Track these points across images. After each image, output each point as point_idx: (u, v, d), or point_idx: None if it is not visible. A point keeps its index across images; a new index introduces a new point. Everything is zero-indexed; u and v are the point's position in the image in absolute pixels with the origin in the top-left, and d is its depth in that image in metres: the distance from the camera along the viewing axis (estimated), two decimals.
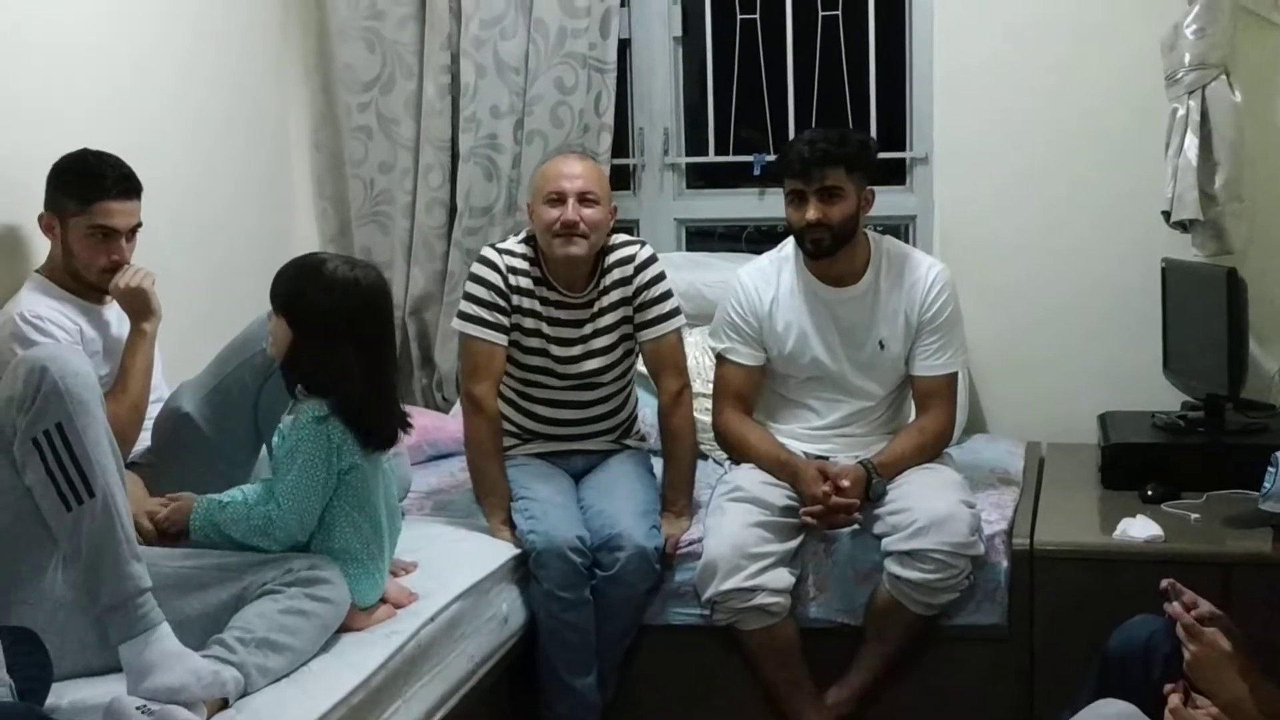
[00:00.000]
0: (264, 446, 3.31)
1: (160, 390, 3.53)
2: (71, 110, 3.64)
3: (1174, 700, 2.41)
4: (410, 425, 3.15)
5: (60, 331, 3.27)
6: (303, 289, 2.99)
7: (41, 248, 3.49)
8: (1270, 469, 2.99)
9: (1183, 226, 3.87)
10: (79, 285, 3.40)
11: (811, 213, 3.46)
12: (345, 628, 2.95)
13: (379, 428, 3.02)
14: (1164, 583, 2.72)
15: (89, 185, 3.33)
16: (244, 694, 2.65)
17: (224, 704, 2.60)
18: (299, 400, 3.01)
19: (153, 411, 3.42)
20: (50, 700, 2.50)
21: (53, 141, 3.42)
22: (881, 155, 3.90)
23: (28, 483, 2.62)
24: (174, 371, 3.59)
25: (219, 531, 2.99)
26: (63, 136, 3.44)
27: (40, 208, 3.39)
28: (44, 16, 3.58)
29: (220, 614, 2.81)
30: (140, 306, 3.34)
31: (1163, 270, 3.91)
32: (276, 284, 3.03)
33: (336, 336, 2.96)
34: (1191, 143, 3.79)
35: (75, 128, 3.53)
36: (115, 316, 3.49)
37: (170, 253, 3.77)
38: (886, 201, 3.74)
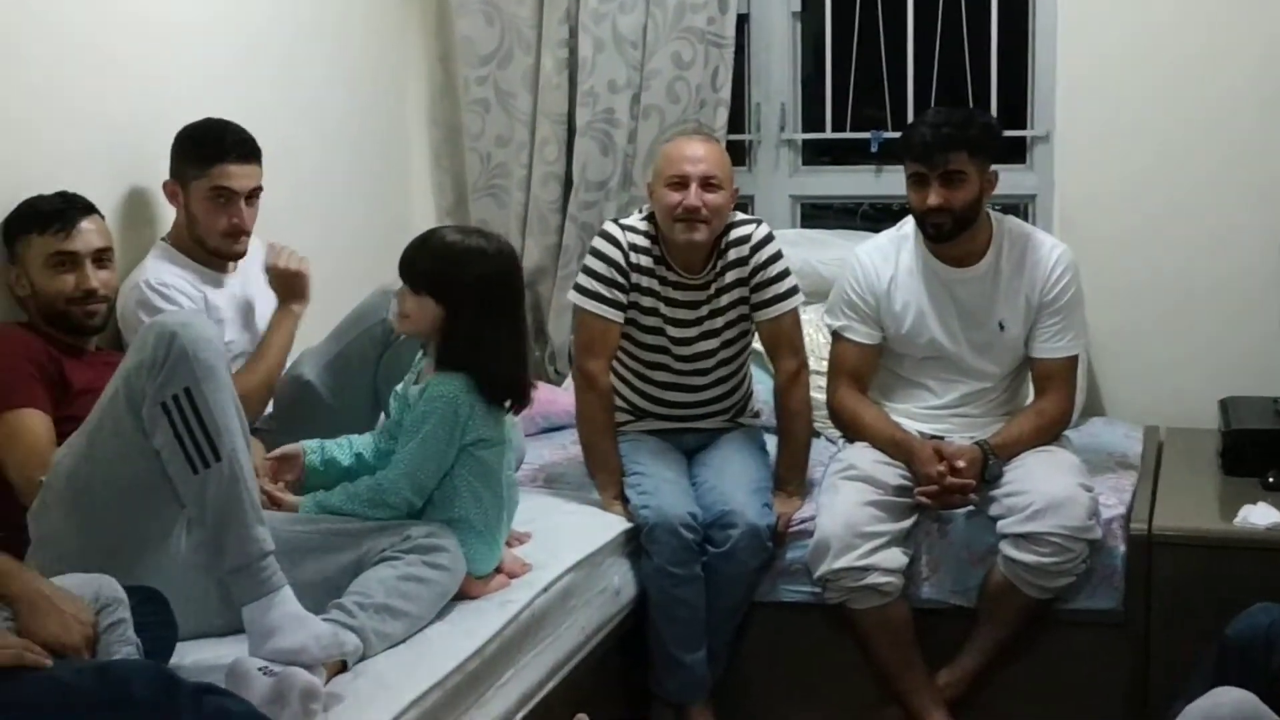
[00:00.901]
0: (381, 414, 3.37)
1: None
2: (194, 82, 3.70)
3: None
4: (535, 385, 3.19)
5: (185, 299, 3.34)
6: (447, 266, 3.02)
7: (166, 218, 3.58)
8: None
9: None
10: (203, 253, 3.47)
11: (933, 198, 3.46)
12: (461, 596, 2.99)
13: (518, 392, 3.08)
14: None
15: (209, 149, 3.41)
16: (362, 658, 2.69)
17: (343, 667, 2.64)
18: (435, 371, 3.06)
19: None
20: (174, 660, 2.56)
21: (177, 113, 3.49)
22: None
23: (156, 445, 2.65)
24: (295, 338, 3.65)
25: (344, 495, 3.05)
26: (185, 108, 3.52)
27: (165, 178, 3.48)
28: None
29: (339, 579, 2.86)
30: (298, 289, 3.42)
31: None
32: (414, 263, 3.05)
33: (486, 307, 3.01)
34: None
35: (198, 99, 3.59)
36: (239, 286, 3.56)
37: (288, 223, 3.82)
38: (1005, 180, 3.70)
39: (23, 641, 2.26)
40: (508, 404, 3.07)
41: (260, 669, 2.50)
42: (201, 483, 2.66)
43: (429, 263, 3.03)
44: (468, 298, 3.00)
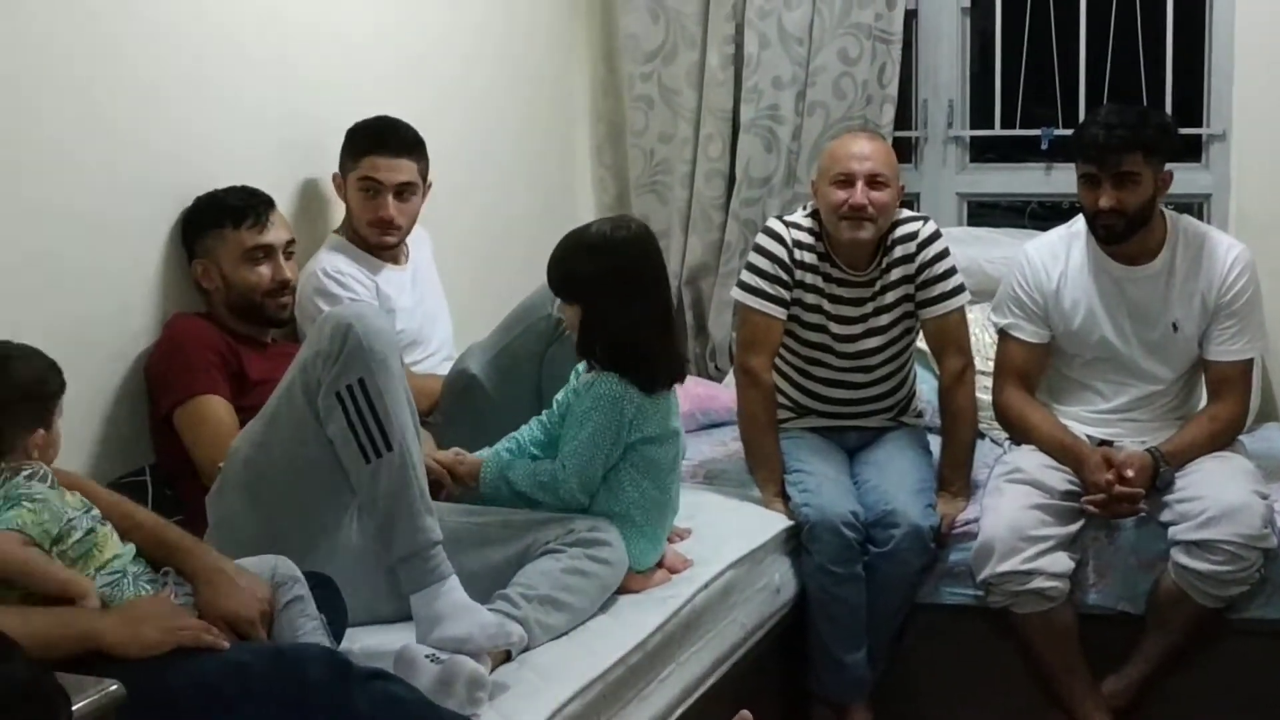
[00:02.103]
0: (544, 410, 3.42)
1: (448, 350, 3.67)
2: (366, 85, 3.79)
3: None
4: (687, 360, 3.19)
5: (359, 287, 3.43)
6: (569, 267, 3.08)
7: (335, 214, 3.68)
8: None
9: None
10: (370, 245, 3.57)
11: (1105, 200, 3.42)
12: (622, 590, 3.02)
13: (671, 374, 3.10)
14: None
15: (363, 141, 3.50)
16: (525, 649, 2.72)
17: (507, 656, 2.67)
18: (589, 370, 3.11)
19: (443, 370, 3.56)
20: (343, 645, 2.60)
21: (350, 112, 3.58)
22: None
23: (330, 434, 2.71)
24: (460, 331, 3.73)
25: (509, 486, 3.11)
26: (358, 108, 3.61)
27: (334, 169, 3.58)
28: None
29: (504, 570, 2.90)
30: None
31: None
32: (550, 269, 3.12)
33: (617, 299, 3.04)
34: None
35: (370, 100, 3.67)
36: (409, 279, 3.64)
37: (455, 218, 3.91)
38: (1180, 179, 3.65)
39: (201, 624, 2.33)
40: (666, 389, 3.10)
41: (427, 656, 2.54)
42: (373, 472, 2.72)
43: (556, 267, 3.10)
44: (595, 294, 3.04)
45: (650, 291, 3.10)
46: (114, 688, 2.05)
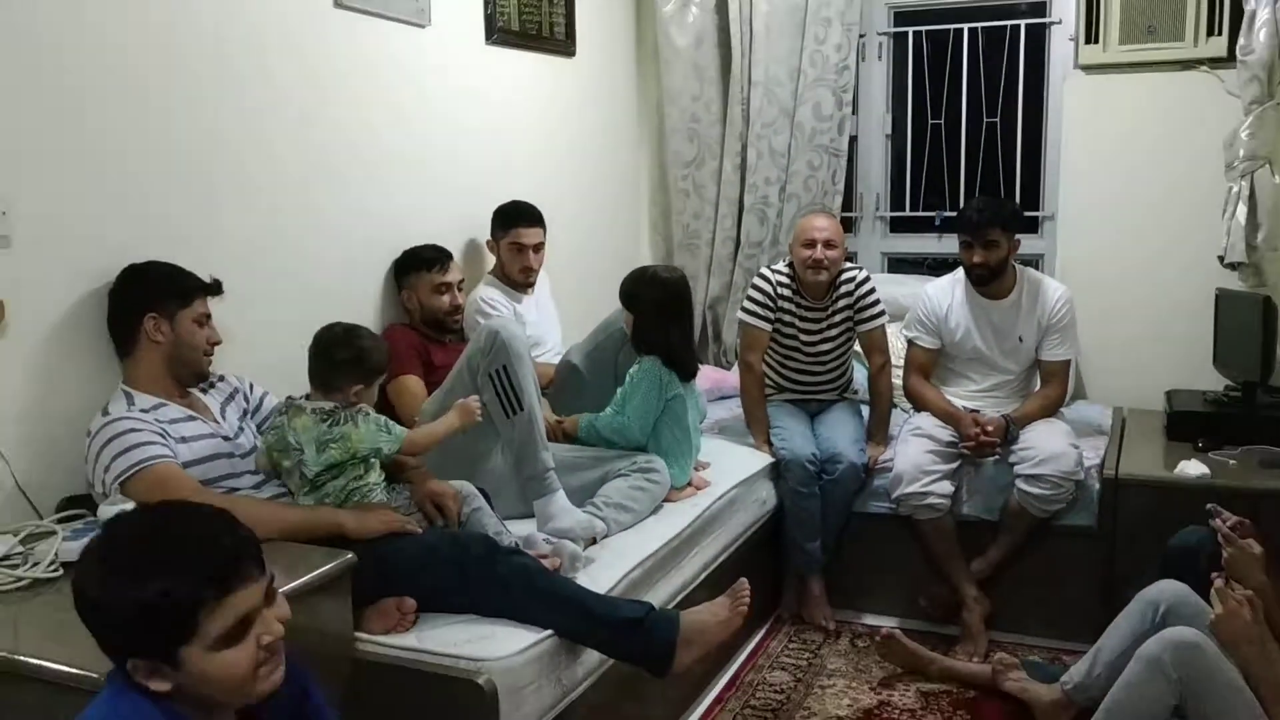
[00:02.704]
0: (619, 388, 3.43)
1: (558, 349, 3.69)
2: (510, 173, 3.80)
3: (1218, 583, 2.34)
4: (698, 366, 3.25)
5: (503, 309, 3.45)
6: (633, 289, 3.15)
7: (489, 260, 3.70)
8: None
9: (1233, 267, 3.67)
10: (511, 284, 3.59)
11: (977, 258, 3.42)
12: (666, 500, 3.04)
13: (687, 366, 3.12)
14: (1209, 505, 2.63)
15: (511, 218, 3.52)
16: (605, 536, 2.77)
17: (593, 541, 2.71)
18: (641, 356, 3.13)
19: (555, 361, 3.56)
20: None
21: (498, 194, 3.61)
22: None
23: (484, 399, 2.75)
24: (568, 334, 3.74)
25: (596, 434, 3.13)
26: (503, 191, 3.64)
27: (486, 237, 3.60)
28: (497, 120, 3.77)
29: (591, 486, 2.94)
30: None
31: (1216, 296, 3.71)
32: (623, 288, 3.18)
33: (658, 314, 3.09)
34: (1242, 210, 3.58)
35: (509, 183, 3.70)
36: (535, 303, 3.66)
37: (564, 265, 3.91)
38: (1025, 244, 3.64)
39: (405, 519, 2.36)
40: (683, 370, 3.12)
41: (544, 539, 2.59)
42: (512, 424, 2.77)
43: (624, 289, 3.17)
44: (646, 309, 3.09)
45: (680, 315, 3.15)
46: (349, 556, 2.09)
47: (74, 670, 1.62)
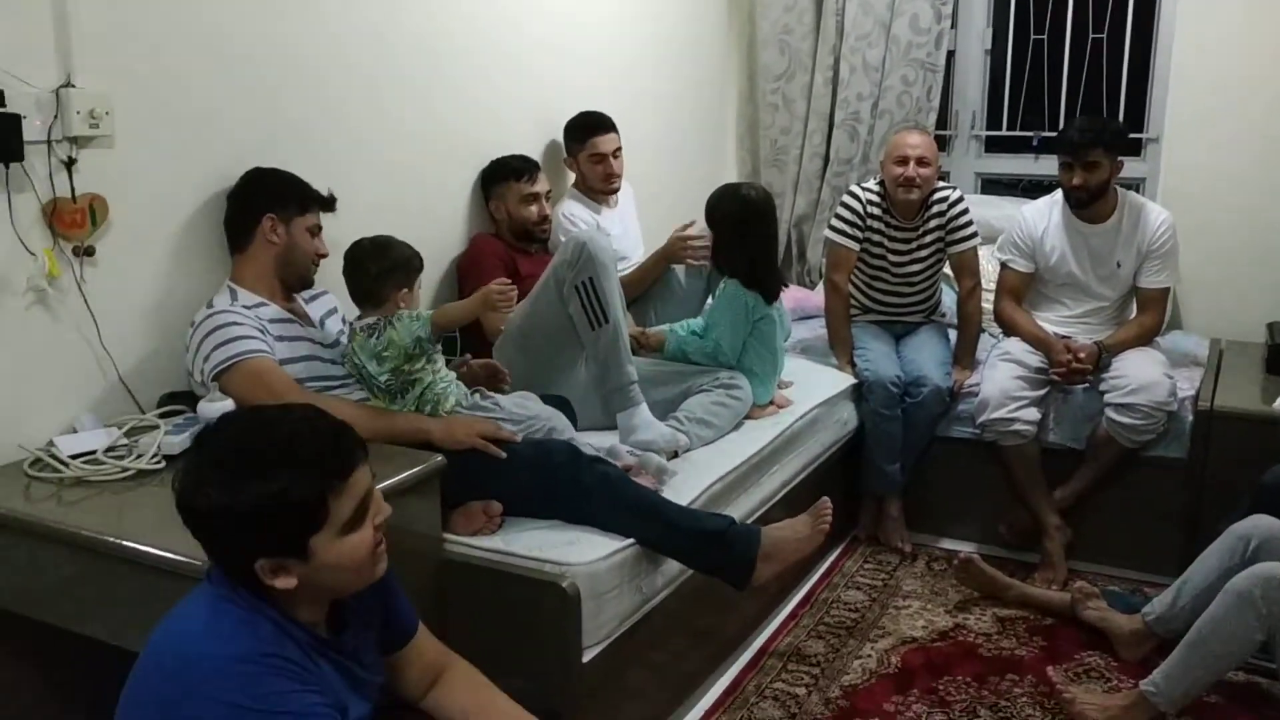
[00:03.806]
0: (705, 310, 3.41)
1: (642, 261, 3.68)
2: (591, 83, 3.74)
3: None
4: (786, 285, 3.19)
5: (583, 223, 3.43)
6: (719, 205, 3.11)
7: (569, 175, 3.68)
8: None
9: None
10: (592, 194, 3.57)
11: (1076, 179, 3.30)
12: (748, 417, 3.04)
13: (769, 288, 3.08)
14: None
15: (584, 129, 3.50)
16: (688, 450, 2.78)
17: (675, 454, 2.72)
18: (724, 278, 3.10)
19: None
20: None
21: (580, 103, 3.58)
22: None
23: (570, 311, 2.76)
24: (651, 247, 3.65)
25: (684, 356, 3.13)
26: (586, 100, 3.60)
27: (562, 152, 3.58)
28: (579, 28, 3.72)
29: (675, 400, 2.95)
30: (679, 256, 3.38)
31: None
32: (707, 204, 3.14)
33: (737, 233, 3.05)
34: None
35: (588, 97, 3.64)
36: (618, 216, 3.64)
37: (646, 176, 3.86)
38: (1127, 167, 3.51)
39: (493, 426, 2.38)
40: (766, 290, 3.08)
41: (628, 451, 2.61)
42: (597, 335, 2.76)
43: (710, 201, 3.13)
44: (726, 226, 3.06)
45: (762, 235, 3.10)
46: (439, 459, 2.14)
47: (176, 556, 1.68)
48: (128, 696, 1.35)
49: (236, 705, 1.26)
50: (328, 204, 2.48)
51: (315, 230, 2.44)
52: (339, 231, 2.54)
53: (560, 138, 3.59)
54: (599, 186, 3.54)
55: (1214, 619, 2.35)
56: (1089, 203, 3.36)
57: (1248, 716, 2.58)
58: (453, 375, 2.50)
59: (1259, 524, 2.58)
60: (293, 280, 2.43)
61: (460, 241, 3.26)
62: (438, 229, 3.18)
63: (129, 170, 2.26)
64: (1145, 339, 3.42)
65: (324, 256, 2.46)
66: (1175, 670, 2.38)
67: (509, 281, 2.46)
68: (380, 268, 2.39)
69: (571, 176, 3.64)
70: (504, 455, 2.32)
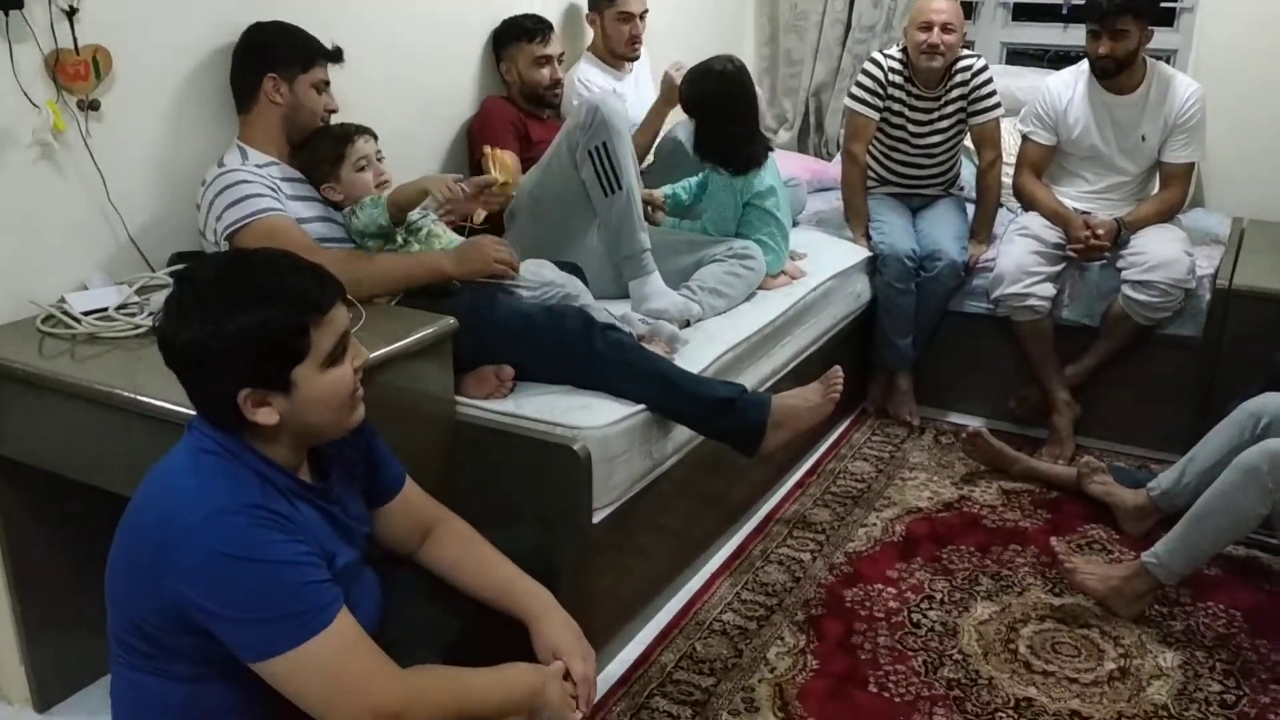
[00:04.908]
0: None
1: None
2: None
3: None
4: (771, 149, 3.10)
5: (597, 88, 3.35)
6: (692, 92, 3.02)
7: (586, 35, 3.58)
8: None
9: None
10: (613, 60, 3.49)
11: (1103, 48, 3.20)
12: (761, 287, 3.03)
13: (751, 158, 3.02)
14: None
15: None
16: (700, 319, 2.77)
17: (687, 323, 2.72)
18: (704, 167, 3.09)
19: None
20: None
21: None
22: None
23: (583, 177, 2.72)
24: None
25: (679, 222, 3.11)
26: None
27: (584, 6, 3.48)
28: None
29: (687, 270, 2.93)
30: (672, 97, 3.30)
31: None
32: (680, 92, 3.07)
33: (717, 115, 2.99)
34: None
35: None
36: (633, 82, 3.56)
37: (662, 40, 3.74)
38: (1158, 38, 3.39)
39: (505, 254, 2.36)
40: (747, 171, 3.03)
41: (640, 319, 2.60)
42: (610, 202, 2.73)
43: (683, 90, 3.06)
44: (709, 110, 3.00)
45: (743, 109, 3.02)
46: (451, 322, 2.13)
47: (184, 409, 1.68)
48: (117, 550, 1.38)
49: (224, 555, 1.28)
50: (333, 56, 2.39)
51: (322, 86, 2.37)
52: (349, 87, 2.48)
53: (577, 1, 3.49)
54: (621, 50, 3.46)
55: (1219, 493, 2.37)
56: (1115, 73, 3.26)
57: (1246, 589, 2.62)
58: (458, 240, 2.46)
59: (1270, 401, 2.58)
60: (300, 138, 2.37)
61: (471, 105, 3.19)
62: (448, 90, 3.11)
63: (131, 21, 2.20)
64: (1166, 215, 3.36)
65: (334, 112, 2.40)
66: (1177, 543, 2.41)
67: (456, 176, 2.40)
68: (305, 161, 2.35)
69: (587, 39, 3.54)
70: (517, 271, 2.36)
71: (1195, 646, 2.40)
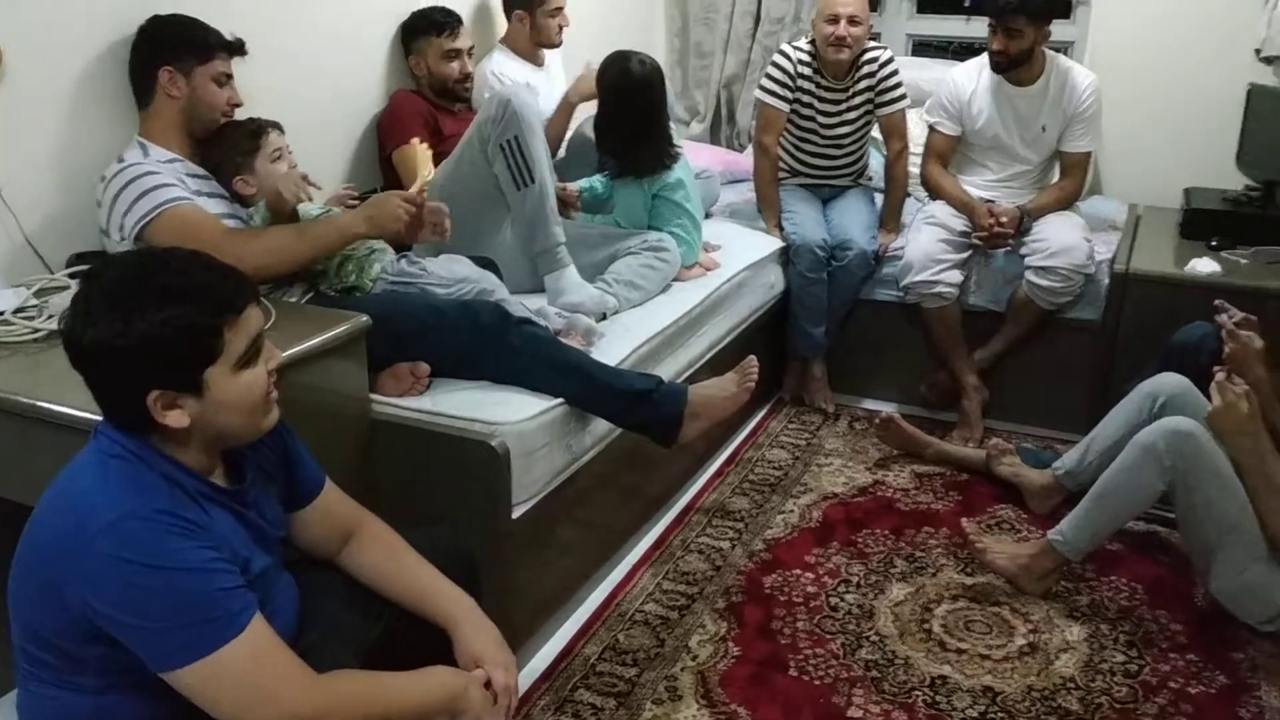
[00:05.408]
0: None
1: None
2: None
3: (1220, 376, 2.36)
4: (677, 154, 3.08)
5: (509, 80, 3.32)
6: (602, 75, 3.04)
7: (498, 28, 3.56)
8: None
9: (1269, 61, 3.58)
10: (530, 52, 3.47)
11: (997, 45, 3.30)
12: (676, 279, 3.04)
13: (652, 162, 3.03)
14: (1216, 301, 2.65)
15: None
16: (616, 312, 2.77)
17: (603, 317, 2.72)
18: (604, 164, 3.09)
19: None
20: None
21: None
22: None
23: (495, 171, 2.70)
24: (579, 107, 3.56)
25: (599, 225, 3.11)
26: None
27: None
28: None
29: (602, 263, 2.92)
30: (588, 93, 3.29)
31: (1248, 92, 3.58)
32: (599, 68, 3.08)
33: (620, 106, 3.01)
34: None
35: None
36: (546, 76, 3.55)
37: (572, 33, 3.69)
38: (1056, 30, 3.49)
39: (416, 202, 2.31)
40: (652, 174, 3.04)
41: (556, 313, 2.60)
42: (523, 196, 2.72)
43: (600, 67, 3.06)
44: (609, 94, 3.02)
45: (641, 110, 3.01)
46: (364, 319, 2.10)
47: (92, 415, 1.64)
48: (20, 559, 1.34)
49: (129, 562, 1.25)
50: (234, 48, 2.33)
51: (224, 79, 2.31)
52: (254, 79, 2.43)
53: None
54: (548, 40, 3.46)
55: (1119, 470, 2.45)
56: (1008, 68, 3.34)
57: (1147, 562, 2.72)
58: (379, 243, 2.43)
59: (1166, 381, 2.68)
60: (203, 135, 2.32)
61: (380, 98, 3.14)
62: (356, 83, 3.06)
63: (24, 18, 2.12)
64: (1066, 203, 3.45)
65: (238, 106, 2.34)
66: (1081, 520, 2.49)
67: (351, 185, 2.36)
68: (217, 155, 2.30)
69: (499, 31, 3.51)
70: (446, 209, 2.34)
71: (1100, 619, 2.49)
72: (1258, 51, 3.56)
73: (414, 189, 2.34)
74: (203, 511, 1.36)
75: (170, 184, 2.15)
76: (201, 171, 2.30)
